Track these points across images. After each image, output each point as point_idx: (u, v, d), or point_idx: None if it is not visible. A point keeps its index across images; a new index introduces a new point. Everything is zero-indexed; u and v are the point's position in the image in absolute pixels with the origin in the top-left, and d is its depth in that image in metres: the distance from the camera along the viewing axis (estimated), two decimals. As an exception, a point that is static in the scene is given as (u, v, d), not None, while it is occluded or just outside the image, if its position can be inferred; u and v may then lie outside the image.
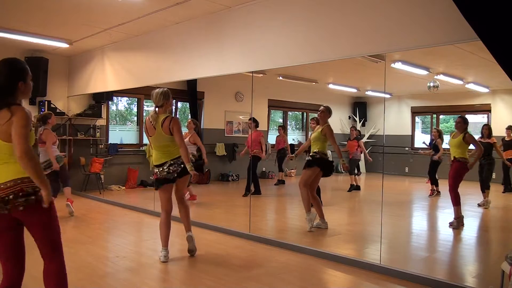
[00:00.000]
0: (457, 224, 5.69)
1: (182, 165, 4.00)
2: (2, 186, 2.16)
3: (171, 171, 4.00)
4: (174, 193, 4.27)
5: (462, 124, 5.81)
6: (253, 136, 8.14)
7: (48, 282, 2.26)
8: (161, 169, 4.03)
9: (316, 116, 5.79)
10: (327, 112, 5.50)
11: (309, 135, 7.45)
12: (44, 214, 2.23)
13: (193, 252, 4.22)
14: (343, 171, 8.57)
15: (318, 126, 5.63)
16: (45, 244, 2.26)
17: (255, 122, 8.24)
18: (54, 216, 2.30)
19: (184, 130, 6.04)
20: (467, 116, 6.59)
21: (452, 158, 5.82)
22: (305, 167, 5.46)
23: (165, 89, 4.08)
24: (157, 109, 4.02)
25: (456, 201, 5.71)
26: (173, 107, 10.10)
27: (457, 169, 5.71)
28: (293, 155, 6.20)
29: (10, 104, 2.18)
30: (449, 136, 6.40)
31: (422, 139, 10.76)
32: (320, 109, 5.56)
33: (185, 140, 7.06)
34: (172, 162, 4.01)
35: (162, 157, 4.04)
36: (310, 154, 5.51)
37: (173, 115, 4.35)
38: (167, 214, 4.10)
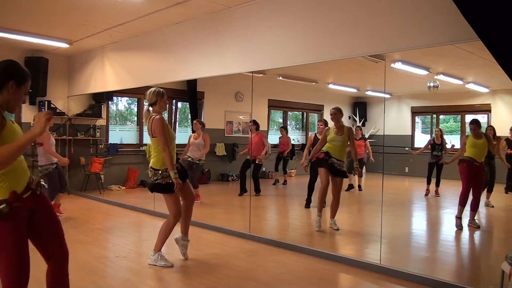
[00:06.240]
0: (458, 223, 5.68)
1: (160, 180, 3.73)
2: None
3: (153, 179, 3.82)
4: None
5: (478, 129, 5.70)
6: (256, 138, 8.10)
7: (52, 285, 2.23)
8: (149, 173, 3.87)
9: (323, 118, 5.73)
10: (339, 112, 5.39)
11: (311, 135, 7.40)
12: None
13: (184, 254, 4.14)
14: (354, 175, 8.50)
15: (327, 128, 5.52)
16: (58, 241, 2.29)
17: (255, 124, 8.14)
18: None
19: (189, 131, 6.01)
20: (467, 116, 6.53)
21: (480, 162, 5.57)
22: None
23: (159, 88, 3.93)
24: (150, 108, 3.83)
25: (464, 202, 5.64)
26: (173, 107, 10.10)
27: (482, 174, 5.60)
28: (307, 162, 5.82)
29: None
30: (455, 136, 6.27)
31: (423, 139, 10.61)
32: (331, 111, 5.43)
33: (196, 140, 7.10)
34: (154, 172, 3.78)
35: (151, 161, 3.86)
36: (335, 159, 5.32)
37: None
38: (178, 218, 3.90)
